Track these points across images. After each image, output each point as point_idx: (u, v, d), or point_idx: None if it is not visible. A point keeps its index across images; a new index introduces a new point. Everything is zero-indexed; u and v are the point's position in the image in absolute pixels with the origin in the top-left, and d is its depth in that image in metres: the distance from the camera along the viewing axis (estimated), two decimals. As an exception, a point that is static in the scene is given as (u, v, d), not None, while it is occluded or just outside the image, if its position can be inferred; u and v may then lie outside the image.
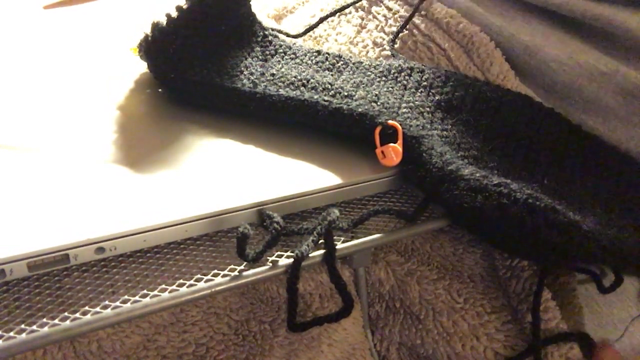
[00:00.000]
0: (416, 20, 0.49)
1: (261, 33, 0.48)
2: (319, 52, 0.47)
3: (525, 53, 0.45)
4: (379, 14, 0.51)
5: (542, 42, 0.44)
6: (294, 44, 0.49)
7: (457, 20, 0.47)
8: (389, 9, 0.51)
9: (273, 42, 0.48)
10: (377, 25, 0.51)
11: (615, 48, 0.42)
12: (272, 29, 0.50)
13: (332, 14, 0.53)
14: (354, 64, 0.45)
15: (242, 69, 0.43)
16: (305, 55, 0.46)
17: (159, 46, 0.42)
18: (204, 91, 0.42)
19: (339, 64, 0.45)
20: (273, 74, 0.42)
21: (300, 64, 0.45)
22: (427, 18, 0.49)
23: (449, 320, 0.39)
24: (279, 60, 0.46)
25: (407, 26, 0.49)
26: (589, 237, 0.31)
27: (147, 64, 0.43)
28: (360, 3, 0.53)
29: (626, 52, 0.42)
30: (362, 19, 0.52)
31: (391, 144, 0.36)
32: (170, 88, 0.43)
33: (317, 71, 0.44)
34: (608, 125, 0.42)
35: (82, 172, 0.34)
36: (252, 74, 0.42)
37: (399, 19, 0.50)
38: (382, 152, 0.36)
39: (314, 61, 0.46)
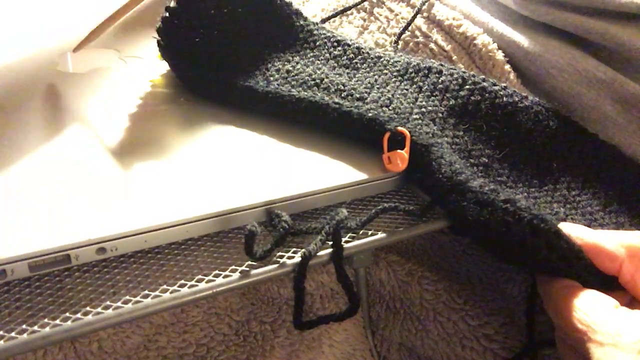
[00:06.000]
0: (418, 22, 0.49)
1: (283, 13, 0.47)
2: (338, 43, 0.45)
3: (525, 59, 0.45)
4: (380, 15, 0.51)
5: (543, 49, 0.44)
6: (317, 27, 0.47)
7: (459, 22, 0.48)
8: (391, 11, 0.51)
9: (295, 27, 0.46)
10: (379, 27, 0.51)
11: (612, 58, 0.42)
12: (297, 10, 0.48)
13: (334, 15, 0.53)
14: (372, 58, 0.44)
15: (259, 63, 0.43)
16: (324, 47, 0.45)
17: (175, 37, 0.42)
18: (218, 88, 0.42)
19: (357, 59, 0.44)
20: (288, 70, 0.42)
21: (317, 59, 0.44)
22: (429, 20, 0.49)
23: (449, 321, 0.40)
24: (297, 50, 0.45)
25: (409, 28, 0.49)
26: (590, 265, 0.31)
27: (168, 62, 0.44)
28: (362, 4, 0.53)
29: (622, 62, 0.42)
30: (364, 20, 0.52)
31: (398, 151, 0.36)
32: (188, 83, 0.44)
33: (333, 68, 0.44)
34: (607, 132, 0.42)
35: (83, 172, 0.34)
36: (267, 69, 0.42)
37: (401, 21, 0.50)
38: (389, 157, 0.36)
39: (332, 55, 0.45)
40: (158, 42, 0.42)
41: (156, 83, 0.45)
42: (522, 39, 0.45)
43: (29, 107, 0.41)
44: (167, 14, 0.41)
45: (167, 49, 0.43)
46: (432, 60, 0.43)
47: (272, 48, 0.45)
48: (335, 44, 0.45)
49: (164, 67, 0.45)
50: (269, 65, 0.42)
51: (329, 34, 0.46)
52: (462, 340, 0.39)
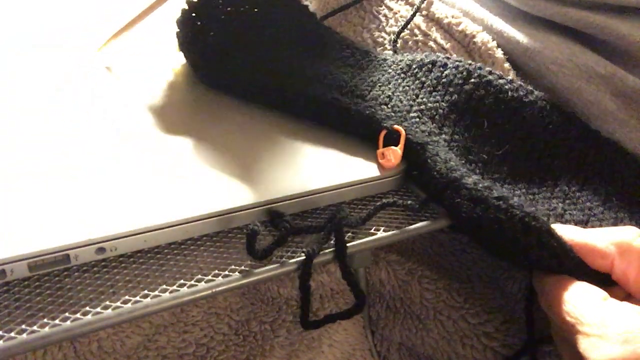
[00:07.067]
0: (417, 20, 0.49)
1: (296, 15, 0.47)
2: (347, 46, 0.46)
3: (525, 55, 0.45)
4: (379, 13, 0.51)
5: (542, 45, 0.44)
6: (329, 32, 0.48)
7: (458, 20, 0.48)
8: (390, 9, 0.51)
9: (305, 28, 0.47)
10: (378, 25, 0.51)
11: (612, 52, 0.43)
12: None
13: (333, 13, 0.53)
14: (378, 61, 0.45)
15: (266, 59, 0.44)
16: (333, 48, 0.46)
17: (194, 37, 0.43)
18: (225, 79, 0.43)
19: (363, 61, 0.45)
20: (293, 67, 0.43)
21: (324, 57, 0.45)
22: (428, 18, 0.49)
23: (450, 319, 0.40)
24: (305, 50, 0.45)
25: (408, 26, 0.49)
26: (581, 263, 0.31)
27: (187, 60, 0.45)
28: (361, 2, 0.53)
29: (622, 56, 0.42)
30: (363, 18, 0.52)
31: (392, 147, 0.36)
32: (199, 72, 0.45)
33: (339, 67, 0.44)
34: (607, 128, 0.42)
35: (83, 172, 0.34)
36: (273, 64, 0.43)
37: (400, 19, 0.50)
38: (382, 153, 0.37)
39: (338, 55, 0.45)
40: (177, 33, 0.44)
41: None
42: (521, 35, 0.45)
43: (28, 108, 0.41)
44: (187, 7, 0.43)
45: (183, 40, 0.44)
46: (437, 54, 0.43)
47: (280, 45, 0.45)
48: (344, 47, 0.46)
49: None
50: (276, 61, 0.43)
51: (339, 37, 0.47)
52: (462, 338, 0.39)
